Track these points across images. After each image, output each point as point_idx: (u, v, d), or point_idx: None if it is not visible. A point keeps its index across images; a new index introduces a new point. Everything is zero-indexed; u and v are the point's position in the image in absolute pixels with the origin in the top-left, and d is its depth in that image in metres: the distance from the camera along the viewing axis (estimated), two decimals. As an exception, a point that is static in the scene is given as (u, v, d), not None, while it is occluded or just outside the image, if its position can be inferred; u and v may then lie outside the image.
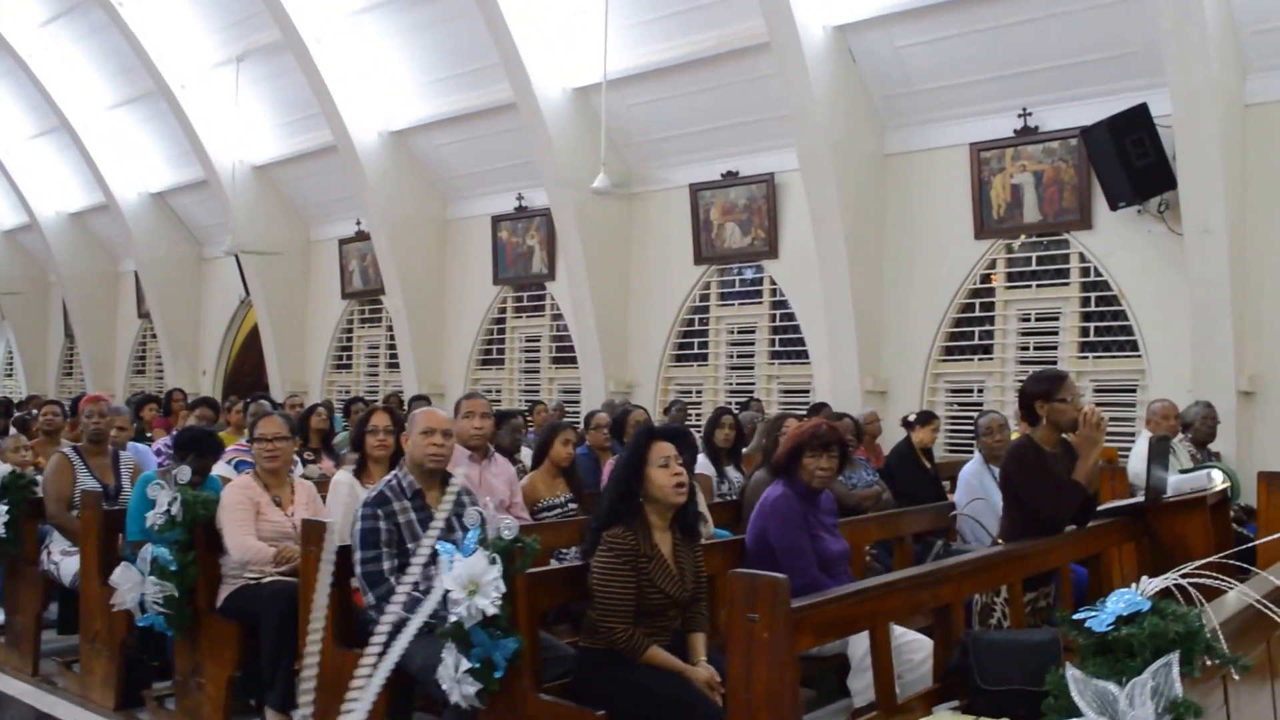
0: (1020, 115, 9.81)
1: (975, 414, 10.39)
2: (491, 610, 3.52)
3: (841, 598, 3.34)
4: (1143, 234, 9.22)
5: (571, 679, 3.74)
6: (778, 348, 11.94)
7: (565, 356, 13.49)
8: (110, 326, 19.60)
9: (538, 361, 13.98)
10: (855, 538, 5.44)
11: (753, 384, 12.10)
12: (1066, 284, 9.91)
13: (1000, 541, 4.94)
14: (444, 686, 3.63)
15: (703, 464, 7.44)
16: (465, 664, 3.53)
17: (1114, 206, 9.08)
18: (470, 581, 3.53)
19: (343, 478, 5.16)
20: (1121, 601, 2.41)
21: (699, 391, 12.51)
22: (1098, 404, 9.77)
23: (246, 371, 17.06)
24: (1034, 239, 10.10)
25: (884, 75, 10.30)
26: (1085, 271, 9.78)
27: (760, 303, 12.03)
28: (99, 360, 19.39)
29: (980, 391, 10.52)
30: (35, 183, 18.76)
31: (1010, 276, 10.34)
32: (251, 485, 4.91)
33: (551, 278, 13.42)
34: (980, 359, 10.47)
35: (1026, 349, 10.24)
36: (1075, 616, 2.46)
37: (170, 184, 16.97)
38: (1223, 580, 2.69)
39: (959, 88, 10.03)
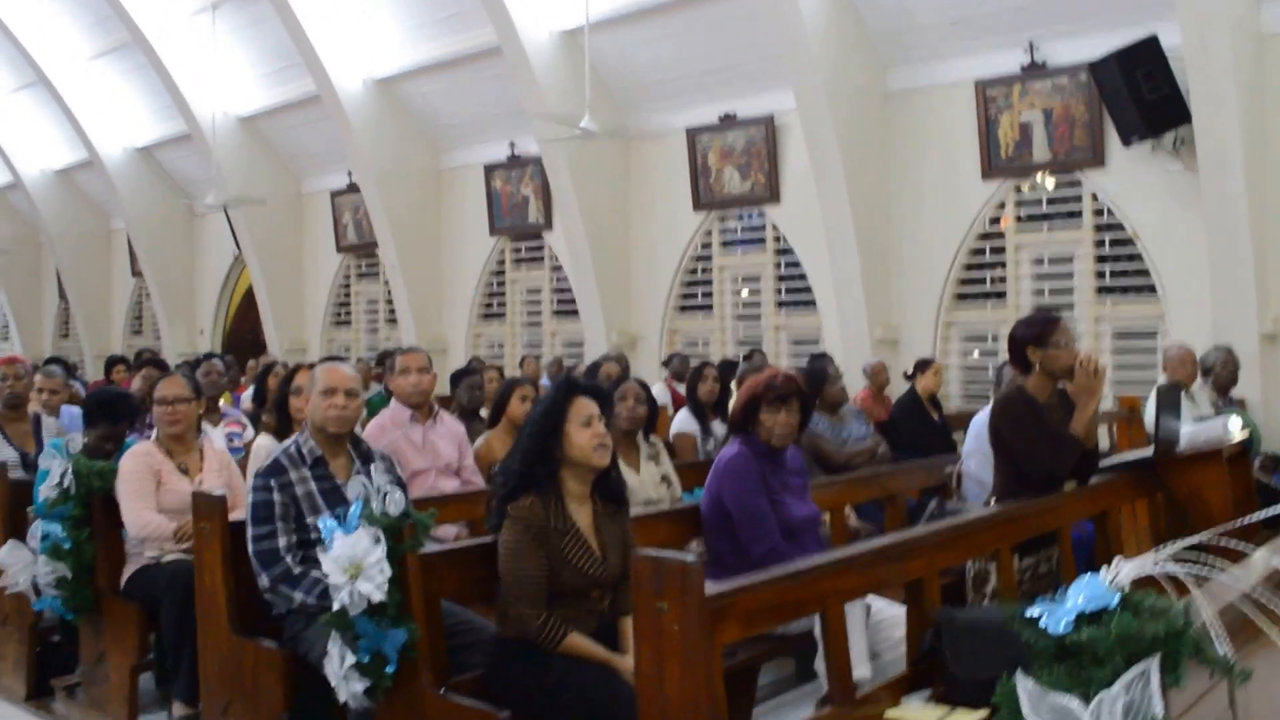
0: (1026, 50, 9.25)
1: (989, 362, 10.02)
2: (377, 596, 3.05)
3: (780, 579, 2.83)
4: (1158, 171, 8.68)
5: (484, 672, 3.27)
6: (784, 297, 11.45)
7: (567, 309, 13.03)
8: (105, 286, 19.21)
9: (540, 314, 13.51)
10: (835, 498, 4.97)
11: (760, 334, 11.61)
12: (1079, 225, 9.37)
13: (992, 503, 4.43)
14: (332, 683, 3.17)
15: (685, 420, 6.98)
16: (350, 658, 3.07)
17: (1126, 142, 8.56)
18: (352, 564, 3.06)
19: (264, 442, 4.72)
20: (1084, 594, 1.90)
21: (705, 343, 12.06)
22: (1116, 350, 9.31)
23: (246, 330, 16.66)
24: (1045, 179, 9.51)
25: (883, 9, 9.72)
26: (1099, 212, 9.26)
27: (764, 250, 11.52)
28: (94, 321, 19.03)
29: (994, 339, 10.00)
30: (18, 140, 18.29)
31: (1021, 218, 9.77)
32: (152, 452, 4.43)
33: (549, 227, 12.93)
34: (993, 305, 9.98)
35: (1041, 294, 9.74)
36: (1029, 612, 1.96)
37: (155, 138, 16.46)
38: (1243, 547, 2.16)
39: (962, 22, 9.43)
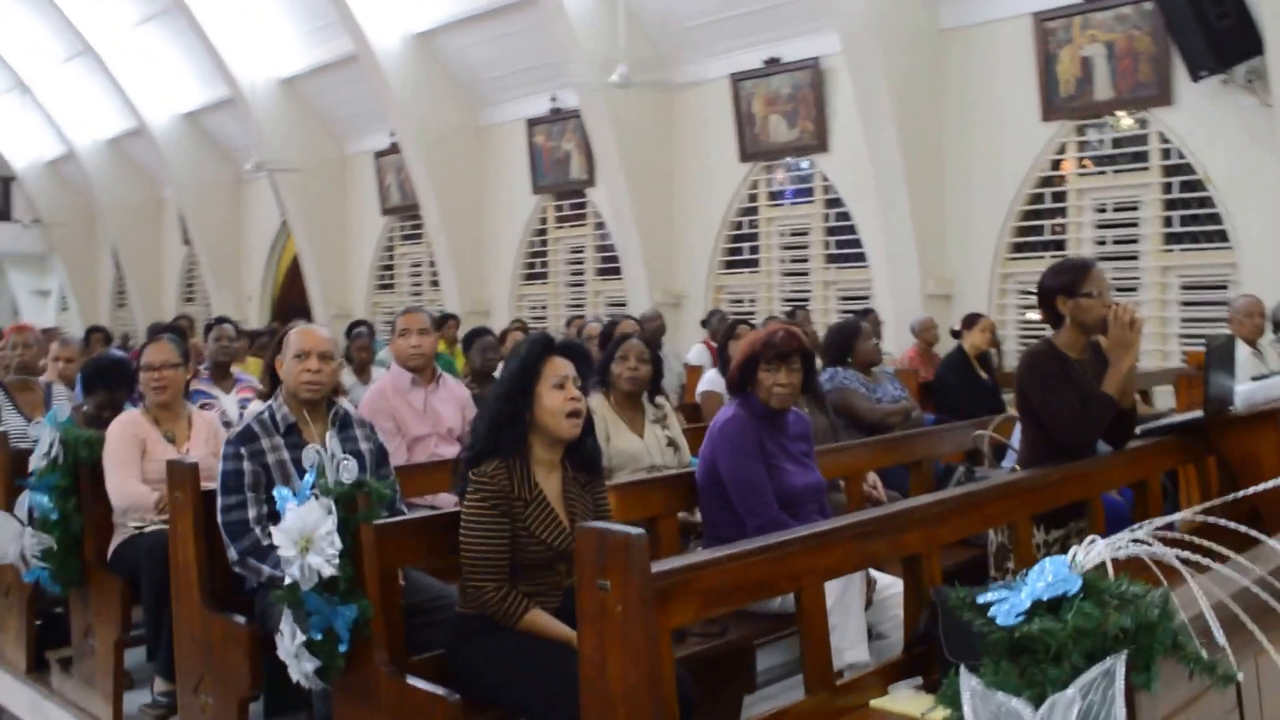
0: (1089, -21, 8.68)
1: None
2: (328, 570, 2.82)
3: (743, 555, 2.52)
4: (1230, 108, 8.11)
5: (445, 651, 3.03)
6: (833, 250, 11.03)
7: (610, 268, 12.73)
8: (157, 255, 19.30)
9: (583, 274, 13.24)
10: (853, 463, 4.62)
11: (809, 290, 11.22)
12: (1146, 168, 8.84)
13: (1018, 469, 4.08)
14: (285, 662, 2.96)
15: (714, 380, 6.66)
16: (300, 636, 2.85)
17: (1195, 77, 8.02)
18: (302, 535, 2.83)
19: (257, 407, 4.50)
20: (1044, 577, 1.58)
21: (752, 300, 11.71)
22: (1184, 303, 8.79)
23: (295, 296, 16.61)
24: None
25: (934, -64, 9.20)
26: (1166, 154, 8.72)
27: (812, 202, 11.11)
28: (148, 290, 19.13)
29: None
30: (70, 110, 18.36)
31: (1083, 162, 9.24)
32: (138, 420, 4.24)
33: (591, 184, 12.61)
34: (1053, 255, 9.41)
35: (1104, 243, 9.27)
36: (982, 598, 1.64)
37: (200, 104, 16.40)
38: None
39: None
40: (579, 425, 2.99)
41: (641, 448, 4.49)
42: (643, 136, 11.57)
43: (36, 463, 4.27)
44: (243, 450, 3.49)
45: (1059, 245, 9.42)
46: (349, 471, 2.91)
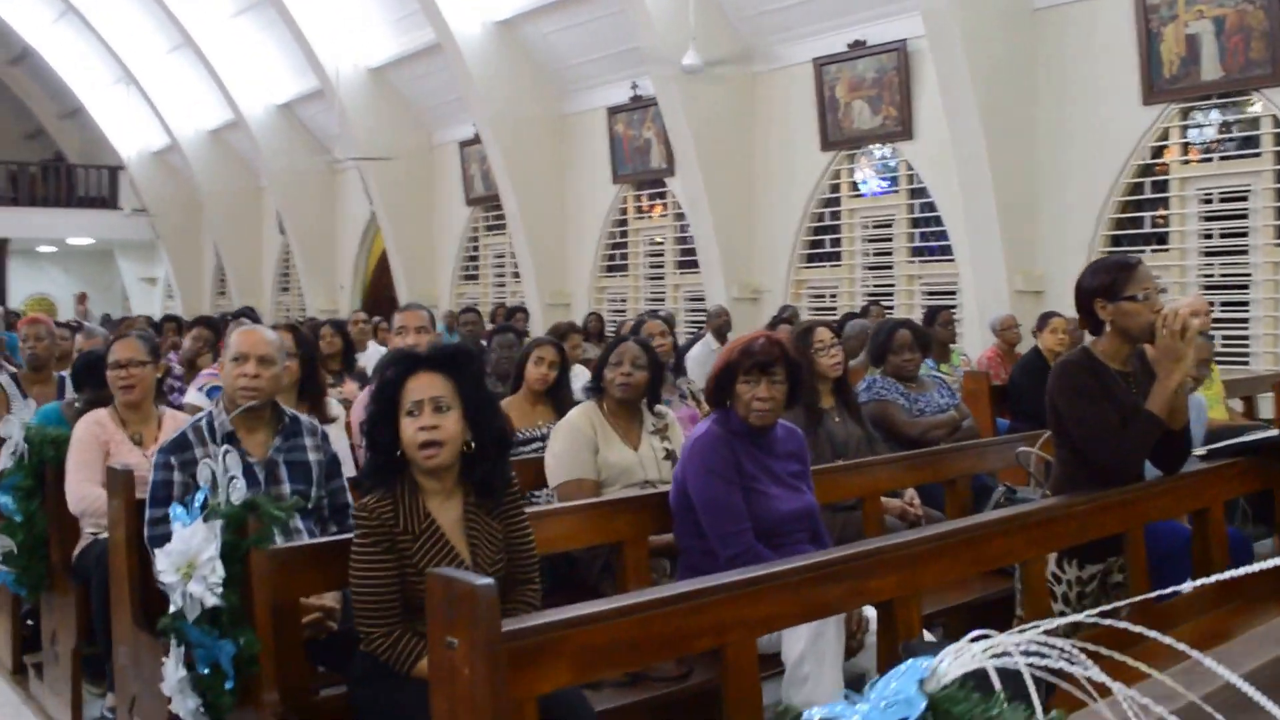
0: (1194, -52, 7.98)
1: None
2: (210, 600, 2.54)
3: (640, 608, 2.13)
4: (1353, 86, 7.32)
5: (348, 690, 2.72)
6: (918, 243, 10.46)
7: (690, 260, 12.36)
8: (255, 244, 19.62)
9: (662, 267, 12.89)
10: (873, 482, 4.12)
11: (892, 285, 10.67)
12: (1257, 154, 8.12)
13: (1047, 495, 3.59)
14: (169, 695, 2.70)
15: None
16: (181, 671, 2.58)
17: (1312, 52, 7.24)
18: (185, 560, 2.55)
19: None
20: (885, 694, 1.19)
21: (833, 295, 11.23)
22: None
23: (385, 285, 16.66)
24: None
25: (1026, -94, 8.59)
26: (1279, 139, 7.92)
27: (896, 192, 10.56)
28: (246, 279, 19.47)
29: (1159, 291, 8.79)
30: (173, 102, 18.74)
31: (1187, 148, 8.53)
32: (104, 421, 4.03)
33: (671, 173, 12.25)
34: (1154, 249, 8.79)
35: (1209, 236, 8.58)
36: (809, 714, 1.25)
37: (293, 94, 16.56)
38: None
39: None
40: (436, 456, 2.60)
41: (634, 461, 4.09)
42: (721, 124, 11.19)
43: (3, 463, 4.12)
44: (173, 460, 3.23)
45: (1161, 239, 8.76)
46: (238, 491, 2.62)
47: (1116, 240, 8.98)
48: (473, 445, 2.67)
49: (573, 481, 4.01)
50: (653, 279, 13.04)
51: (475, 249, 15.49)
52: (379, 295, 16.67)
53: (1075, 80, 8.87)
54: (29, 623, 4.65)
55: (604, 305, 13.14)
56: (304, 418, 3.55)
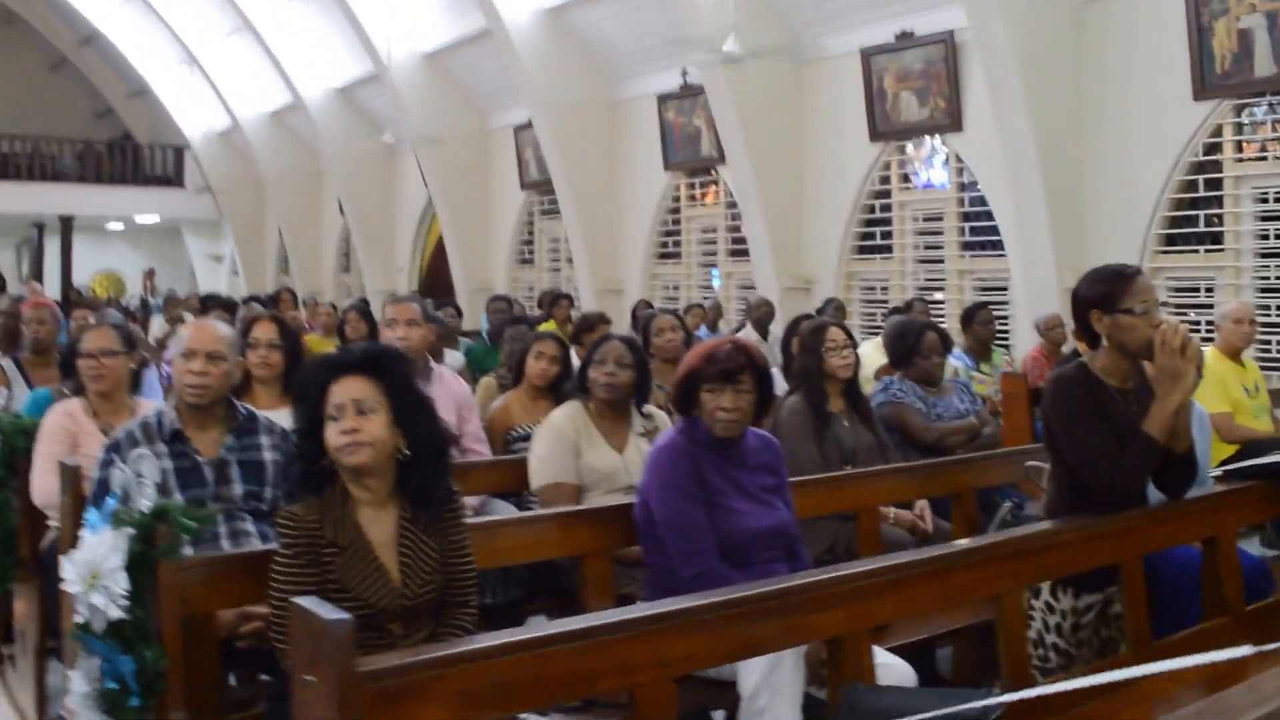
0: (1248, -62, 7.63)
1: (1200, 316, 8.50)
2: (114, 612, 2.51)
3: (531, 644, 2.04)
4: None
5: (267, 710, 2.69)
6: (969, 237, 10.23)
7: (741, 249, 12.22)
8: (316, 225, 19.85)
9: (714, 255, 12.78)
10: (865, 495, 3.89)
11: (943, 279, 10.45)
12: (1316, 151, 7.75)
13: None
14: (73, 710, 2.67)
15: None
16: (84, 685, 2.56)
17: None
18: (90, 570, 2.52)
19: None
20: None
21: (884, 288, 11.04)
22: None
23: (442, 268, 16.74)
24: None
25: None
26: (1339, 134, 7.58)
27: (946, 184, 10.32)
28: (307, 259, 19.73)
29: (1209, 291, 8.51)
30: (234, 84, 19.01)
31: (1241, 146, 8.20)
32: (74, 412, 3.98)
33: (722, 161, 12.10)
34: (1207, 249, 8.49)
35: (1266, 237, 8.22)
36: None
37: (351, 78, 16.68)
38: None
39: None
40: (361, 453, 2.51)
41: (618, 464, 3.97)
42: (769, 113, 11.01)
43: (-18, 451, 4.12)
44: (115, 458, 3.16)
45: (1215, 238, 8.43)
46: (147, 498, 2.58)
47: (1170, 239, 8.67)
48: (406, 452, 2.62)
49: (552, 485, 3.92)
50: (706, 266, 12.93)
51: (530, 233, 15.50)
52: (436, 279, 16.78)
53: (1124, 76, 8.55)
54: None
55: (656, 292, 13.06)
56: (263, 415, 3.45)
